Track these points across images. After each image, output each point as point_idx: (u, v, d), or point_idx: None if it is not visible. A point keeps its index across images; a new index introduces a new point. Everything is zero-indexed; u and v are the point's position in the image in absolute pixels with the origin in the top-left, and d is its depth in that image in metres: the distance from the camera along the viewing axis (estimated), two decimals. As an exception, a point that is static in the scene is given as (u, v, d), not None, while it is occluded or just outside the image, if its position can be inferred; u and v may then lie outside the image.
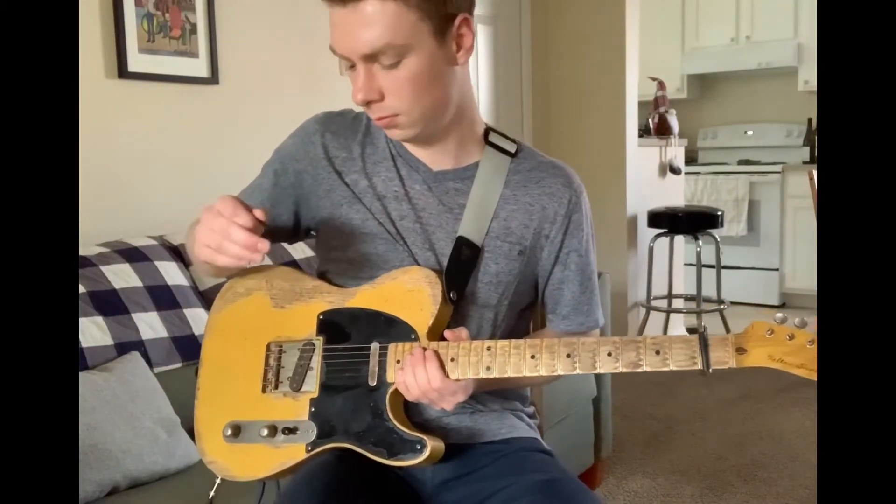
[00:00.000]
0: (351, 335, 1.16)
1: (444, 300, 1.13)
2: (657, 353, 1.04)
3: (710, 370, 1.03)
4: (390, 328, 1.13)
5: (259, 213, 1.05)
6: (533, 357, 1.07)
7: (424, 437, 1.10)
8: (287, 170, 1.23)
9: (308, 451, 1.13)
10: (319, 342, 1.17)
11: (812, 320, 1.03)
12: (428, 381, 1.07)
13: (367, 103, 1.08)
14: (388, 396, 1.12)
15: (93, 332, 1.74)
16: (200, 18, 2.39)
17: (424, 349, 1.09)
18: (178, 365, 1.88)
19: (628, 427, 3.13)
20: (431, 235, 1.18)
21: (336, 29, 1.06)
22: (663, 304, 4.33)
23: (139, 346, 1.81)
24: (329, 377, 1.15)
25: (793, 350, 1.03)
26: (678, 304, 4.49)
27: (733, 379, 3.75)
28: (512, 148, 1.22)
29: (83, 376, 1.62)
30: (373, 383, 1.12)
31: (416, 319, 1.13)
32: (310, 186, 1.22)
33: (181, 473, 1.65)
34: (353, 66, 1.08)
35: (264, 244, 1.03)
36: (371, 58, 1.05)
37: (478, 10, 3.62)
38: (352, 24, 1.03)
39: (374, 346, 1.14)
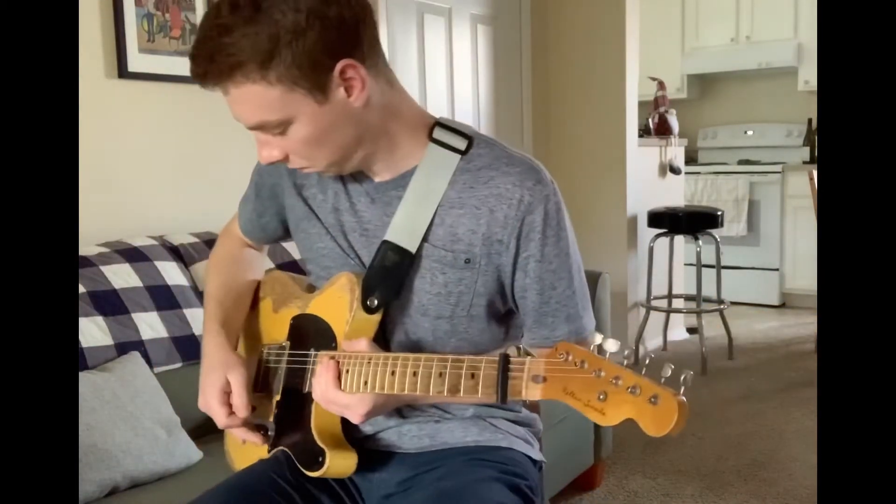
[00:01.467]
0: (303, 341, 1.18)
1: (359, 307, 1.08)
2: (472, 376, 0.96)
3: (508, 401, 0.93)
4: (324, 335, 1.14)
5: (243, 413, 1.15)
6: (392, 374, 1.02)
7: (326, 450, 1.09)
8: (264, 183, 1.26)
9: (269, 452, 1.19)
10: (287, 346, 1.20)
11: (618, 346, 0.88)
12: (325, 391, 1.06)
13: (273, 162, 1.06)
14: (312, 404, 1.12)
15: (93, 332, 1.74)
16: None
17: (331, 358, 1.08)
18: (178, 365, 1.88)
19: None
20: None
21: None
22: (663, 304, 4.33)
23: (139, 346, 1.81)
24: (287, 381, 1.18)
25: (585, 384, 0.86)
26: (678, 304, 4.49)
27: (733, 379, 3.75)
28: (462, 144, 1.10)
29: (83, 376, 1.62)
30: (305, 390, 1.14)
31: (338, 326, 1.12)
32: (283, 198, 1.24)
33: (181, 473, 1.65)
34: None
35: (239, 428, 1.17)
36: (257, 129, 1.02)
37: (478, 10, 3.64)
38: (229, 103, 1.01)
39: (312, 352, 1.15)
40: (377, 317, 1.10)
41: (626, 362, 0.86)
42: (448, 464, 1.14)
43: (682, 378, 0.83)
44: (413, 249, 1.08)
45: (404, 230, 1.09)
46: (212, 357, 1.19)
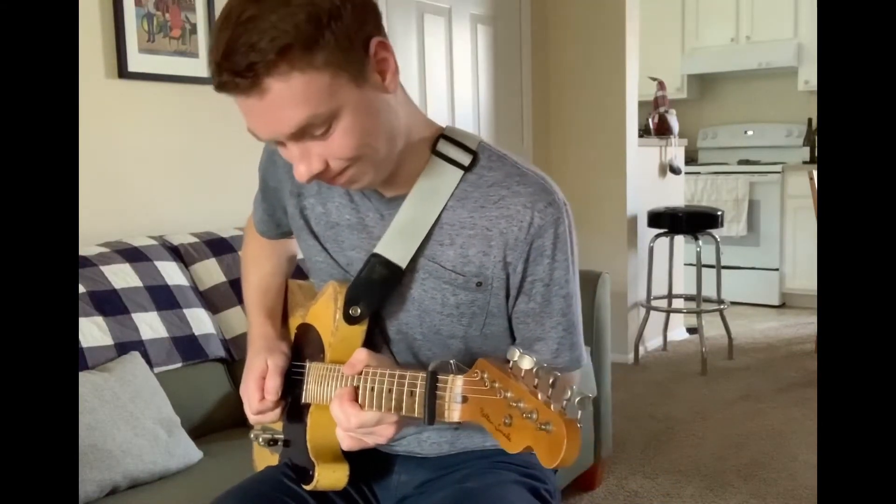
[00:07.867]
0: (302, 350, 1.18)
1: (342, 318, 1.06)
2: (411, 394, 0.92)
3: (437, 422, 0.87)
4: (316, 345, 1.13)
5: (271, 396, 1.15)
6: (355, 388, 0.99)
7: (315, 464, 1.09)
8: (268, 185, 1.22)
9: (280, 461, 1.20)
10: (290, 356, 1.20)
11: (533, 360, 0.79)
12: (348, 417, 0.99)
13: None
14: (308, 416, 1.11)
15: (93, 332, 1.74)
16: (200, 18, 2.38)
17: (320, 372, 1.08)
18: (178, 365, 1.88)
19: (628, 427, 3.12)
20: None
21: (249, 115, 0.92)
22: (663, 304, 4.33)
23: (139, 346, 1.81)
24: (291, 392, 1.18)
25: (496, 406, 0.80)
26: (678, 304, 4.49)
27: (733, 379, 3.75)
28: (466, 159, 1.05)
29: (83, 376, 1.62)
30: (303, 401, 1.14)
31: (326, 336, 1.11)
32: (284, 202, 1.20)
33: (181, 473, 1.65)
34: (280, 143, 0.95)
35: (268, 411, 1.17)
36: (299, 135, 0.92)
37: (478, 10, 3.65)
38: (264, 110, 0.89)
39: (307, 363, 1.14)
40: (362, 327, 1.07)
41: (536, 381, 0.79)
42: (469, 466, 1.15)
43: (575, 400, 0.75)
44: (403, 264, 1.05)
45: (396, 244, 1.05)
46: (258, 343, 1.20)
